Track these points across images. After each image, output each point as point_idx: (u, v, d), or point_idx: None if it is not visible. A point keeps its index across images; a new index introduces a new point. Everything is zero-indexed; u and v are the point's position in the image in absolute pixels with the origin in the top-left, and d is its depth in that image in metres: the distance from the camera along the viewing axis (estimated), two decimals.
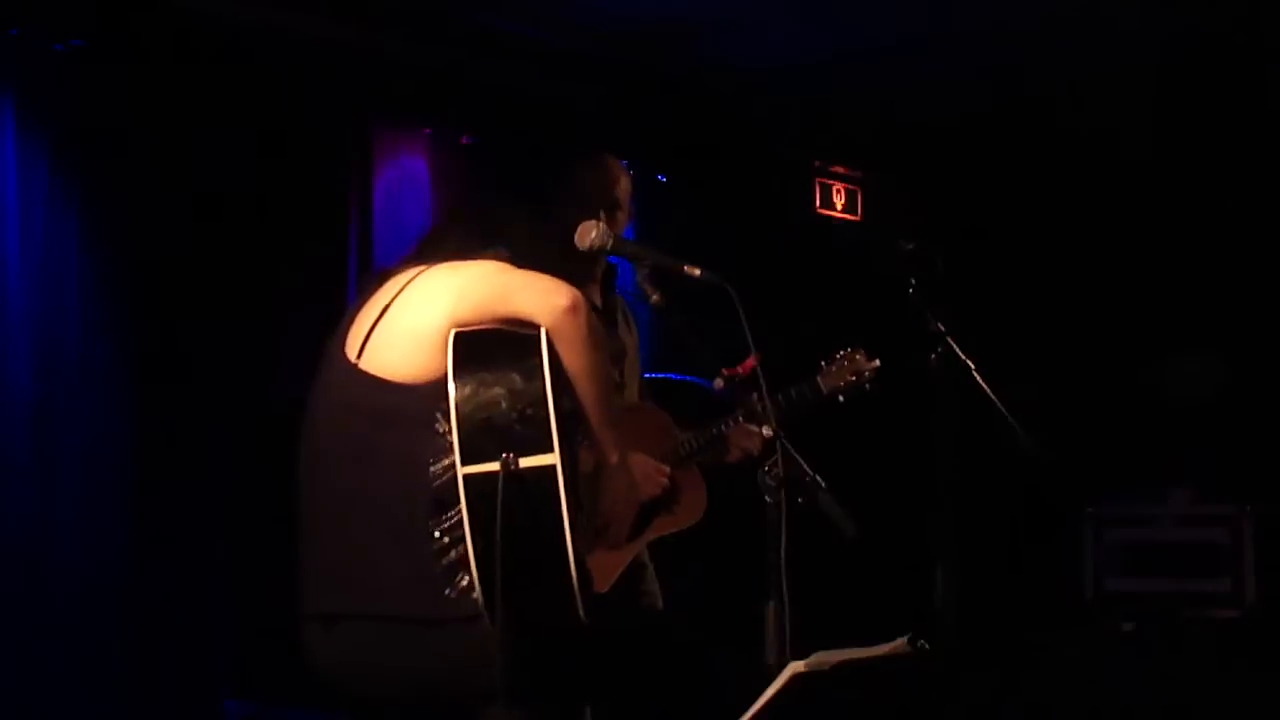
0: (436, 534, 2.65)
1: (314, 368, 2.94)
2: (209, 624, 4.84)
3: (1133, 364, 6.69)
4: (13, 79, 4.52)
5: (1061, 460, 4.55)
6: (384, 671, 2.69)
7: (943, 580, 4.03)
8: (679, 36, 5.73)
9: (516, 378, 2.68)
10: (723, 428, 4.13)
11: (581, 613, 2.63)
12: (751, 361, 3.21)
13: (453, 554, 2.64)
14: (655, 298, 3.26)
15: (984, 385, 3.84)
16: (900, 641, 2.81)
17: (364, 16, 5.14)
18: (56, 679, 4.47)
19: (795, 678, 2.60)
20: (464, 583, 2.63)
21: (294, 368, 3.12)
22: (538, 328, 2.72)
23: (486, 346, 2.73)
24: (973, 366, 3.85)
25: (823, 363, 4.20)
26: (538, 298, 2.74)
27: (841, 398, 4.18)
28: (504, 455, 2.60)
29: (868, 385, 4.18)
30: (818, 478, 3.04)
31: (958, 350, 3.85)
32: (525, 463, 2.61)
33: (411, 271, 2.87)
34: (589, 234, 3.17)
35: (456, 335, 2.71)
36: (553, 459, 2.62)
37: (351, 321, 2.85)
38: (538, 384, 2.67)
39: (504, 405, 2.66)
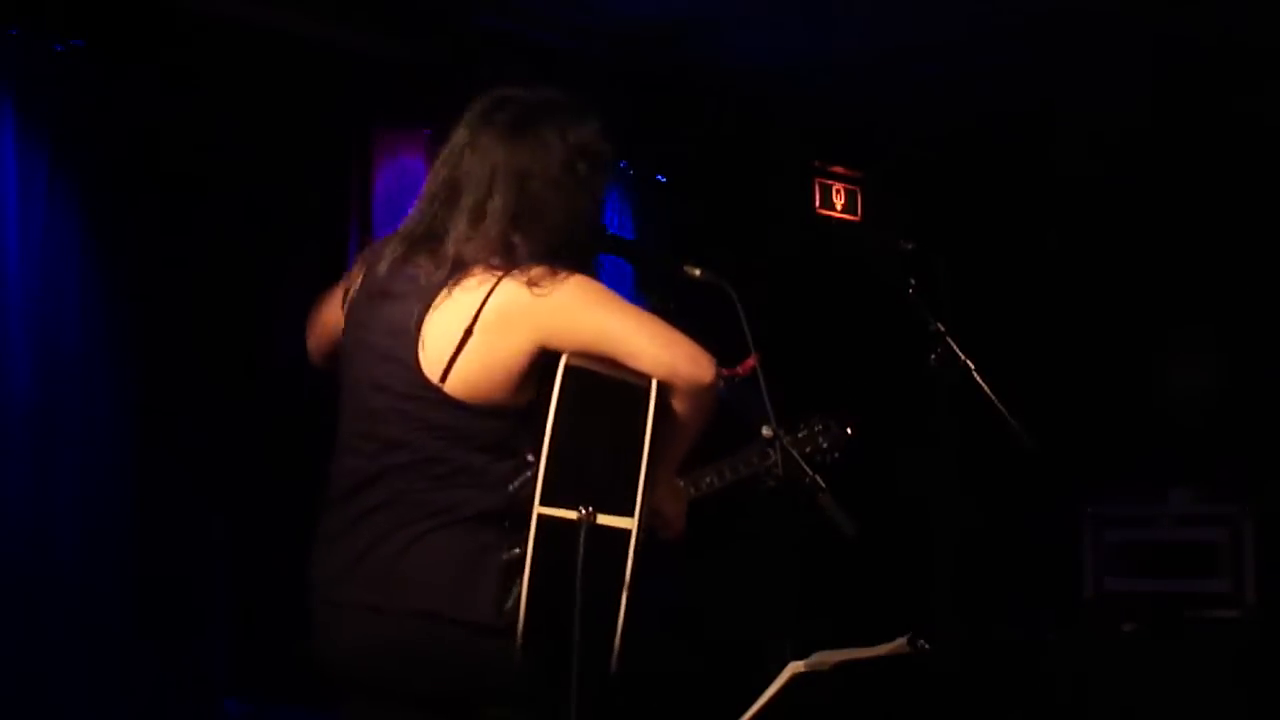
0: (513, 550, 2.64)
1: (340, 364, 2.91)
2: (209, 623, 4.83)
3: (1132, 364, 6.70)
4: (13, 79, 4.51)
5: (1061, 460, 4.56)
6: (413, 665, 2.68)
7: (943, 580, 4.03)
8: (679, 36, 5.73)
9: (619, 431, 2.59)
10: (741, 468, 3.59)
11: (614, 666, 2.61)
12: (751, 361, 3.21)
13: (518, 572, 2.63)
14: (655, 298, 3.25)
15: (984, 385, 3.83)
16: (900, 641, 2.81)
17: (364, 17, 5.14)
18: (56, 678, 4.47)
19: (795, 678, 2.60)
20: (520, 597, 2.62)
21: (294, 368, 3.11)
22: (650, 379, 2.64)
23: (598, 390, 2.62)
24: (973, 366, 3.85)
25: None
26: (684, 367, 2.66)
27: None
28: (583, 509, 2.54)
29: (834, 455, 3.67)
30: (817, 478, 3.03)
31: (957, 350, 3.85)
32: (603, 520, 2.55)
33: (484, 279, 2.69)
34: None
35: (569, 368, 2.60)
36: (630, 524, 2.57)
37: (419, 330, 2.70)
38: (637, 443, 2.59)
39: (598, 455, 2.59)
